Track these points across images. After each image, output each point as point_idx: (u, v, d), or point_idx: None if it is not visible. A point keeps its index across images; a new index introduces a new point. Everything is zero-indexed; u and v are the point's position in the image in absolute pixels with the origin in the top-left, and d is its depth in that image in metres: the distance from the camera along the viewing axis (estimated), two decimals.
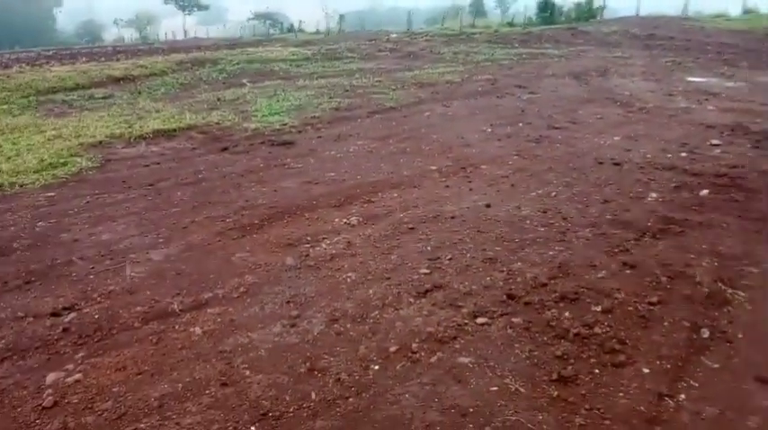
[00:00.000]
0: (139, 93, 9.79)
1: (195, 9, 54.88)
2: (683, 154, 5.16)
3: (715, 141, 5.59)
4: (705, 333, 2.47)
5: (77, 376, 2.26)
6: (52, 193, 4.58)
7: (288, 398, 2.09)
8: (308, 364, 2.28)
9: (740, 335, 2.45)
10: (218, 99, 8.73)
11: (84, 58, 15.56)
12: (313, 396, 2.10)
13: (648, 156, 5.12)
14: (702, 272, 2.98)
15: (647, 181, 4.43)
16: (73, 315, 2.73)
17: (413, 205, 4.07)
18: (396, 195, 4.30)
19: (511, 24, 24.75)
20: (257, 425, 1.97)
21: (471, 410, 1.99)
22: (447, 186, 4.47)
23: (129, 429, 1.96)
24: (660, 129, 6.13)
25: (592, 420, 1.94)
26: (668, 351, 2.33)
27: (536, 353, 2.32)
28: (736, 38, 16.68)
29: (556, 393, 2.07)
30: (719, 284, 2.86)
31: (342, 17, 32.52)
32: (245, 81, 10.38)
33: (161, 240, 3.62)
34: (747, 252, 3.22)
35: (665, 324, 2.51)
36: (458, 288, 2.86)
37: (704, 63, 12.19)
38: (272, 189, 4.55)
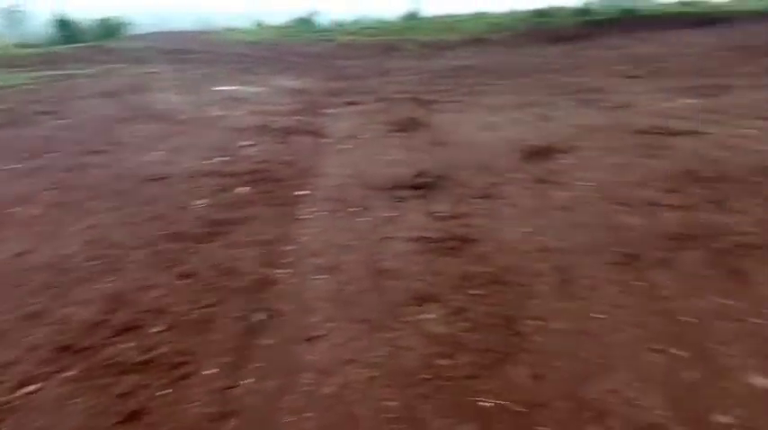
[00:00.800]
0: None
1: None
2: (221, 158, 5.58)
3: (246, 142, 6.25)
4: (260, 316, 2.74)
5: None
6: None
7: None
8: None
9: (289, 307, 2.81)
10: None
11: None
12: None
13: (191, 165, 5.33)
14: (249, 263, 3.29)
15: (192, 189, 4.61)
16: None
17: None
18: None
19: (27, 45, 21.76)
20: None
21: None
22: None
23: None
24: (198, 139, 6.47)
25: None
26: (230, 345, 2.48)
27: (99, 400, 2.12)
28: (253, 48, 19.01)
29: None
30: (266, 269, 3.22)
31: None
32: None
33: None
34: (282, 234, 3.71)
35: (224, 321, 2.67)
36: None
37: (229, 73, 13.44)
38: None
